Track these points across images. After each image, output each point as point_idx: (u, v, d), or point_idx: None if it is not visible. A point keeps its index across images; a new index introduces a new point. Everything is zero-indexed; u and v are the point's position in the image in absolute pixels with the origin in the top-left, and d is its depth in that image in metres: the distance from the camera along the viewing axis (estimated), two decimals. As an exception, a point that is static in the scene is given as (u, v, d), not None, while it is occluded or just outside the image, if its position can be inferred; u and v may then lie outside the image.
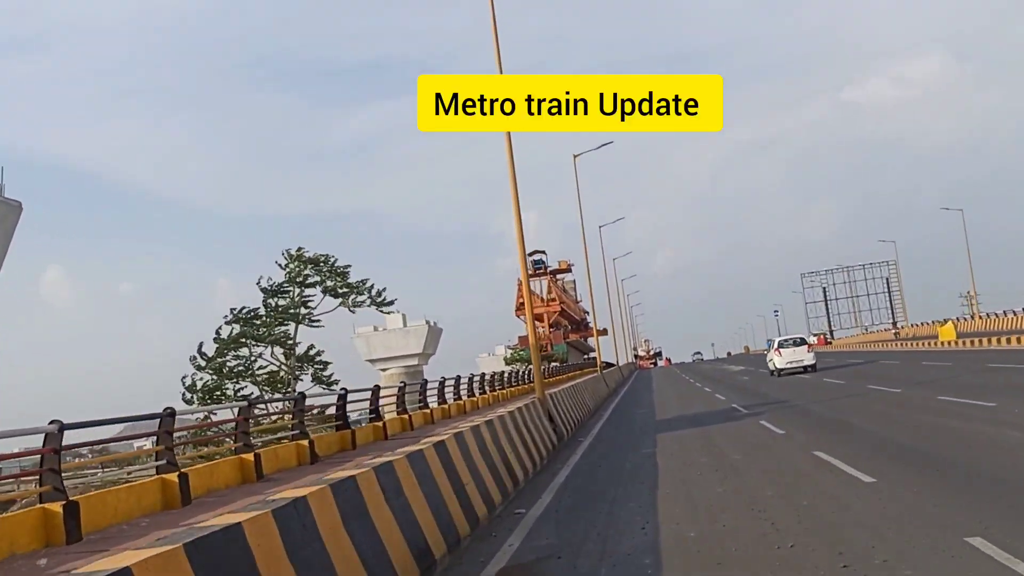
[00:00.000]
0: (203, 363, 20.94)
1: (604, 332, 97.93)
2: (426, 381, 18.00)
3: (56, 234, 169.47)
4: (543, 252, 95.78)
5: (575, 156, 42.29)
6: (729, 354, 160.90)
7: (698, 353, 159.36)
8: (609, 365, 66.37)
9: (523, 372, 31.48)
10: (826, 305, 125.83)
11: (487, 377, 23.74)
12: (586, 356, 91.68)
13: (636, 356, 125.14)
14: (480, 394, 21.66)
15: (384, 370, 74.23)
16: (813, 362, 38.78)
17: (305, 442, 10.15)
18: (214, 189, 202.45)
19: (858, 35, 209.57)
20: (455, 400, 18.69)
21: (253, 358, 21.74)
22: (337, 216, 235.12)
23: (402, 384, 15.38)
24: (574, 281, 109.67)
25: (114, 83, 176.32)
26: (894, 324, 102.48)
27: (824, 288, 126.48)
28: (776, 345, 40.92)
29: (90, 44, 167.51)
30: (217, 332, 21.46)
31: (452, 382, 19.08)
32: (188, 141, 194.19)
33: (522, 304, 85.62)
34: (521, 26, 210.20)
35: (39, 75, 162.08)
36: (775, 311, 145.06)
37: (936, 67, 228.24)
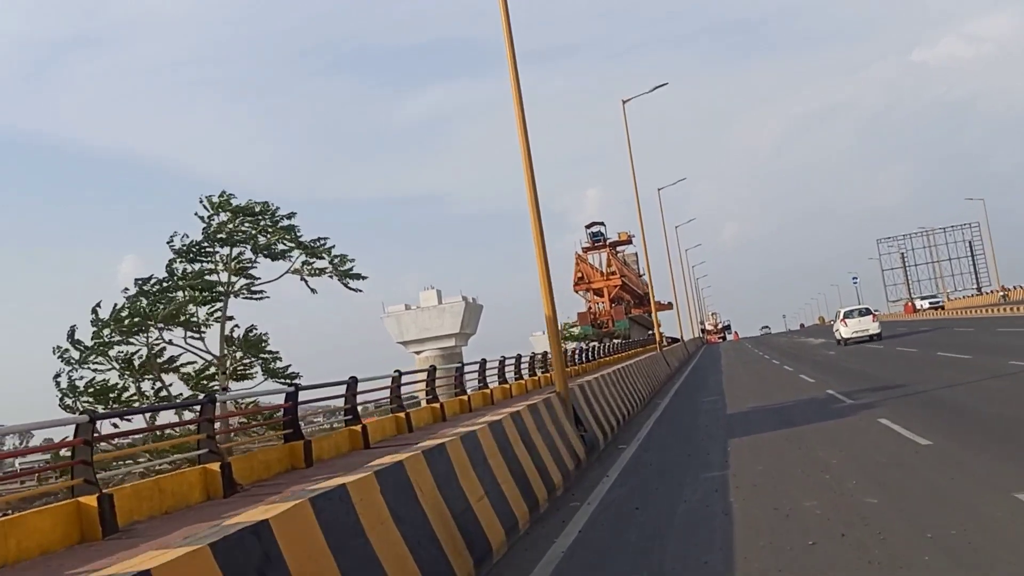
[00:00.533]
0: (77, 355, 16.31)
1: (668, 306, 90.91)
2: (433, 368, 14.61)
3: (131, 225, 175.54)
4: (602, 224, 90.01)
5: (624, 102, 38.10)
6: (802, 326, 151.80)
7: (766, 327, 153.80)
8: (673, 341, 62.58)
9: (586, 350, 29.17)
10: (905, 271, 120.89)
11: (527, 359, 19.85)
12: (650, 332, 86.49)
13: (703, 330, 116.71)
14: (516, 379, 18.09)
15: (418, 352, 68.58)
16: (878, 331, 40.04)
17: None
18: (280, 176, 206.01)
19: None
20: (480, 388, 15.69)
21: (158, 345, 16.66)
22: (401, 199, 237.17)
23: (431, 367, 14.33)
24: (636, 255, 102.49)
25: (182, 75, 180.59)
26: (1002, 288, 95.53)
27: (903, 254, 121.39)
28: (842, 315, 42.30)
29: (158, 38, 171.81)
30: (94, 312, 16.42)
31: (475, 367, 16.20)
32: (254, 130, 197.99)
33: (580, 279, 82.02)
34: (574, 2, 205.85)
35: (110, 70, 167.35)
36: (854, 279, 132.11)
37: (1008, 25, 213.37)
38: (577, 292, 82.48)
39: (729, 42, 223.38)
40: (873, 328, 40.20)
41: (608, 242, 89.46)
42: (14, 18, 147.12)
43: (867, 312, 42.50)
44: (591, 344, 39.14)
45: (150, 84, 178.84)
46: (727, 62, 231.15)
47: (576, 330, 75.51)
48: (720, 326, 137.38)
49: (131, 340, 16.08)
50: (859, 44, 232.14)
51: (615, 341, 48.99)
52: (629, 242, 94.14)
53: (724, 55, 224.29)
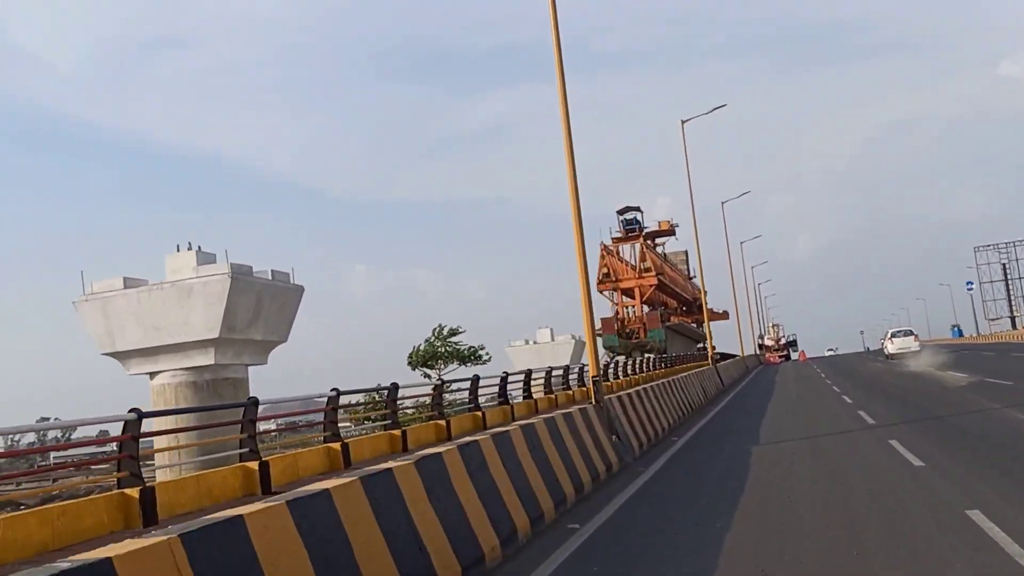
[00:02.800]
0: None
1: (723, 315, 79.77)
2: (477, 378, 13.53)
3: (201, 221, 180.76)
4: (637, 209, 73.61)
5: (683, 122, 39.99)
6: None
7: (832, 349, 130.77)
8: (725, 357, 52.04)
9: (608, 366, 22.38)
10: (1006, 284, 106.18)
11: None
12: (700, 346, 71.34)
13: (761, 346, 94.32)
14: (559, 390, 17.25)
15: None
16: (919, 348, 48.54)
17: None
18: (348, 177, 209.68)
19: (1015, 5, 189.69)
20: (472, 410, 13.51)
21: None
22: (465, 202, 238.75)
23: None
24: (686, 253, 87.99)
25: (256, 80, 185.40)
26: None
27: (1004, 264, 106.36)
28: (889, 335, 53.38)
29: (234, 42, 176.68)
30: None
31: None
32: (323, 132, 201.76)
33: (606, 276, 66.44)
34: (649, 6, 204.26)
35: (188, 73, 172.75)
36: (968, 285, 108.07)
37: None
38: (602, 292, 67.17)
39: (803, 50, 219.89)
40: (914, 346, 48.54)
41: (644, 231, 73.23)
42: (107, 21, 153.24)
43: (910, 333, 52.27)
44: (615, 359, 35.06)
45: (225, 85, 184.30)
46: (802, 70, 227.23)
47: (599, 341, 63.63)
48: (783, 341, 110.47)
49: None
50: (941, 54, 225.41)
51: (647, 355, 39.92)
52: (672, 233, 78.64)
53: (798, 63, 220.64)
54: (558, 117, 14.79)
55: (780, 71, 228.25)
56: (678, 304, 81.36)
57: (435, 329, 36.27)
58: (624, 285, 67.51)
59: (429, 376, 34.77)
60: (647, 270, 67.38)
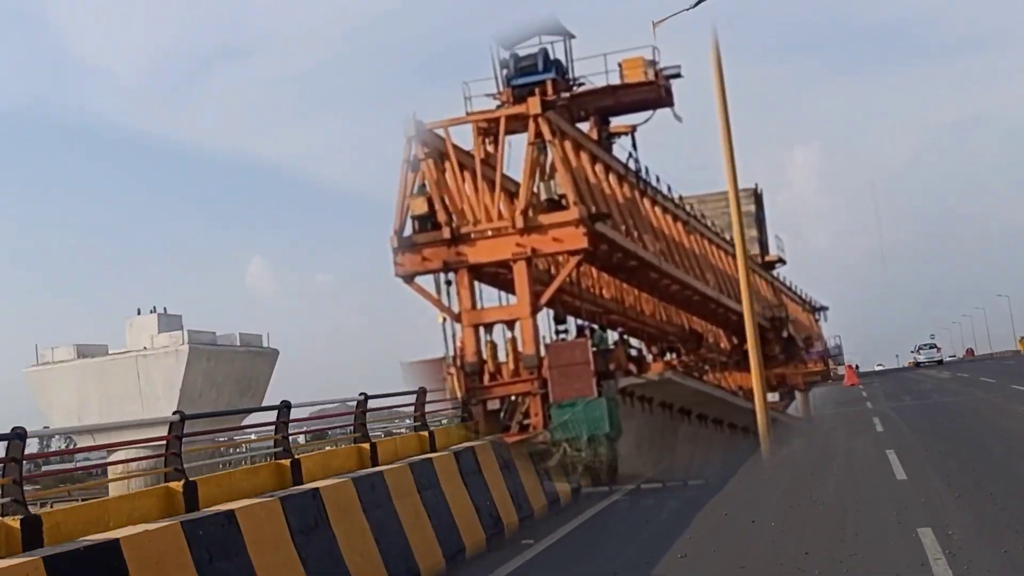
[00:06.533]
0: None
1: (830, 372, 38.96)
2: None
3: (259, 228, 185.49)
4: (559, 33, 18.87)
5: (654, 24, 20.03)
6: (970, 353, 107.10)
7: (880, 364, 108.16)
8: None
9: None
10: None
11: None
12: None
13: None
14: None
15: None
16: (941, 358, 67.31)
17: (426, 433, 10.80)
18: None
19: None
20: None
21: None
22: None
23: None
24: (756, 197, 32.08)
25: (313, 86, 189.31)
26: None
27: None
28: (917, 347, 71.98)
29: (291, 52, 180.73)
30: None
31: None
32: (376, 139, 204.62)
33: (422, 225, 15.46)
34: (698, 10, 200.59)
35: (247, 81, 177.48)
36: None
37: None
38: (409, 279, 16.92)
39: (863, 50, 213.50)
40: (936, 356, 67.92)
41: (572, 87, 19.59)
42: (166, 31, 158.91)
43: (934, 346, 70.72)
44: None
45: (282, 94, 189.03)
46: (862, 70, 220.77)
47: None
48: (819, 350, 44.31)
49: None
50: (1007, 52, 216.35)
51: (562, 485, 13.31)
52: (664, 102, 21.96)
53: (858, 63, 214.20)
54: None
55: (840, 71, 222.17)
56: (706, 328, 30.00)
57: None
58: (481, 253, 17.45)
59: None
60: (554, 203, 17.29)
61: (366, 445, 9.49)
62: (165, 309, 30.03)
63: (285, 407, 8.39)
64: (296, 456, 8.37)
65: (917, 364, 68.58)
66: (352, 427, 9.64)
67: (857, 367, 69.19)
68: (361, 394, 9.53)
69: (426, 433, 10.82)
